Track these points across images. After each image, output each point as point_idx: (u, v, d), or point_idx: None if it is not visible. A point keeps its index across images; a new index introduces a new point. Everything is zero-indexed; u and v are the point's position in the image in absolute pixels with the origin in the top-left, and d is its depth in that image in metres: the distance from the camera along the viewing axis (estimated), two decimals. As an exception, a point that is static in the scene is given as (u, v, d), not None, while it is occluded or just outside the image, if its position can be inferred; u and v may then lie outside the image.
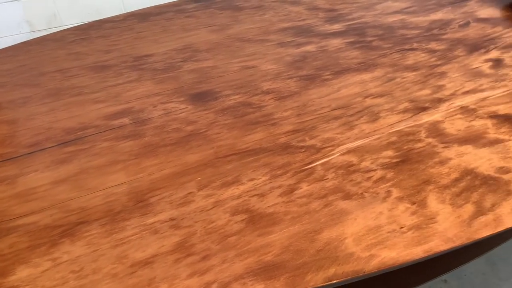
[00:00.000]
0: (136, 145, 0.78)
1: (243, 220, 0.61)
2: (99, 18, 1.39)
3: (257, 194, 0.66)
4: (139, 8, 1.43)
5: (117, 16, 1.37)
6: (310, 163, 0.72)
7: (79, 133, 0.83)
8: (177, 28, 1.22)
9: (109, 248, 0.59)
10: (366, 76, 0.95)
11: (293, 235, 0.59)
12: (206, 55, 1.07)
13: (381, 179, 0.67)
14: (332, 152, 0.74)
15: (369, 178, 0.68)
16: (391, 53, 1.03)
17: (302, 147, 0.75)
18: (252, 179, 0.69)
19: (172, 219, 0.62)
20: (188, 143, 0.78)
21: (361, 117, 0.82)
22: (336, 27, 1.17)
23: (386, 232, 0.58)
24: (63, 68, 1.08)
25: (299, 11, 1.28)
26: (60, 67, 1.08)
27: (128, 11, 1.45)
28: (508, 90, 0.86)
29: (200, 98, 0.91)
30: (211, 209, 0.64)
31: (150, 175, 0.71)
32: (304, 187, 0.67)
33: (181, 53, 1.09)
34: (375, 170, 0.69)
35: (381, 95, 0.88)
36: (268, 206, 0.63)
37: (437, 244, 0.56)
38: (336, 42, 1.09)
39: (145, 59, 1.08)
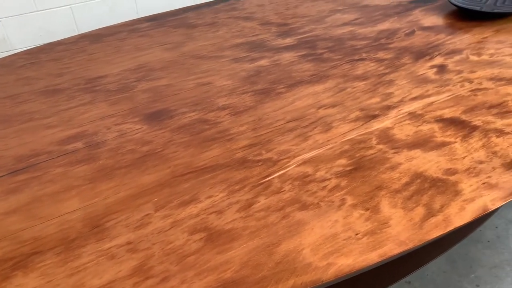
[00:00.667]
0: (90, 169, 0.77)
1: (201, 238, 0.61)
2: (52, 41, 1.36)
3: (215, 211, 0.66)
4: (93, 29, 1.41)
5: (69, 38, 1.35)
6: (267, 176, 0.73)
7: (31, 160, 0.81)
8: (130, 48, 1.22)
9: (65, 277, 0.57)
10: (318, 87, 0.97)
11: (252, 250, 0.59)
12: (160, 74, 1.07)
13: (336, 187, 0.69)
14: (288, 164, 0.75)
15: (324, 187, 0.69)
16: (342, 64, 1.06)
17: (258, 160, 0.76)
18: (209, 196, 0.69)
19: (129, 243, 0.62)
20: (144, 164, 0.77)
21: (315, 127, 0.84)
22: (288, 41, 1.20)
23: (342, 240, 0.60)
24: (13, 94, 1.05)
25: (252, 27, 1.30)
26: (9, 93, 1.05)
27: (82, 33, 1.43)
28: (452, 94, 0.90)
29: (156, 117, 0.90)
30: (169, 229, 0.63)
31: (105, 199, 0.70)
32: (262, 201, 0.67)
33: (135, 73, 1.08)
34: (329, 179, 0.71)
35: (333, 105, 0.90)
36: (227, 223, 0.64)
37: (391, 248, 0.58)
38: (288, 56, 1.12)
39: (99, 80, 1.07)
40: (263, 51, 1.15)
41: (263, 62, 1.10)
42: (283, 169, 0.74)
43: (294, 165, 0.75)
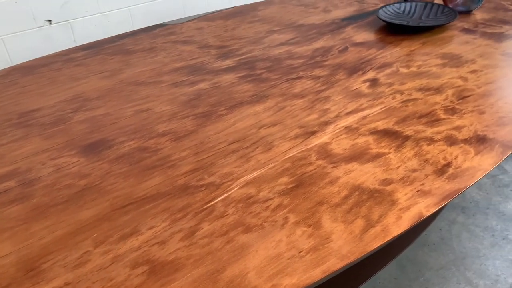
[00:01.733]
0: (24, 209, 0.73)
1: (144, 272, 0.60)
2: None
3: (158, 242, 0.64)
4: (27, 60, 1.35)
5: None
6: (210, 201, 0.72)
7: (-43, 204, 0.76)
8: (65, 79, 1.18)
9: (-4, 329, 0.53)
10: (258, 107, 0.99)
11: (196, 279, 0.58)
12: (97, 103, 1.04)
13: (279, 206, 0.70)
14: (231, 187, 0.75)
15: (267, 207, 0.70)
16: (280, 83, 1.08)
17: (201, 185, 0.76)
18: (151, 227, 0.67)
19: (67, 284, 0.59)
20: (81, 198, 0.74)
21: (257, 148, 0.85)
22: (228, 63, 1.21)
23: (286, 259, 0.60)
24: None
25: (191, 50, 1.30)
26: None
27: (15, 64, 1.37)
28: (384, 107, 0.94)
29: (93, 148, 0.88)
30: (109, 265, 0.61)
31: (40, 240, 0.66)
32: (206, 227, 0.67)
33: (71, 104, 1.05)
34: (272, 198, 0.71)
35: (273, 124, 0.92)
36: (170, 253, 0.62)
37: (334, 263, 0.59)
38: (228, 78, 1.13)
39: (32, 114, 1.02)
40: (203, 74, 1.16)
41: (203, 85, 1.10)
42: (226, 192, 0.74)
43: (237, 187, 0.75)
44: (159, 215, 0.69)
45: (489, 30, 1.29)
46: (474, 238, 1.37)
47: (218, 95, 1.05)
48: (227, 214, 0.69)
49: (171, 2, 2.22)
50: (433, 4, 1.40)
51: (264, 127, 0.91)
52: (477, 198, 1.52)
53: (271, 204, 0.70)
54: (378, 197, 0.70)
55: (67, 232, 0.68)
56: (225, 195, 0.73)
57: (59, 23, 1.97)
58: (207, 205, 0.71)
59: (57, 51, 1.41)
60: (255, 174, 0.78)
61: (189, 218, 0.69)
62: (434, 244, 1.36)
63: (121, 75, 1.18)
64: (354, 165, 0.77)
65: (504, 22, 1.34)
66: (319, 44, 1.28)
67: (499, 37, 1.24)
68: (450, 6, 1.42)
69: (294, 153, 0.82)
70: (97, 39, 1.46)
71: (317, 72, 1.12)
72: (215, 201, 0.72)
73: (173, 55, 1.28)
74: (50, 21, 1.94)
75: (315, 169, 0.77)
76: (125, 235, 0.66)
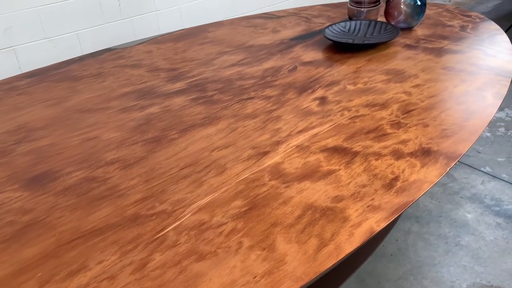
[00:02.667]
0: (-40, 251, 0.68)
1: (92, 310, 0.57)
2: None
3: (107, 277, 0.62)
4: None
5: None
6: (161, 230, 0.70)
7: None
8: (8, 109, 1.13)
9: None
10: (211, 130, 0.98)
11: (147, 313, 0.56)
12: (42, 133, 1.00)
13: (232, 231, 0.69)
14: (184, 214, 0.73)
15: (220, 233, 0.69)
16: (232, 104, 1.08)
17: (152, 214, 0.74)
18: (100, 262, 0.64)
19: (7, 331, 0.55)
20: (25, 235, 0.71)
21: (209, 171, 0.84)
22: (178, 85, 1.20)
23: (241, 286, 0.59)
24: None
25: (140, 74, 1.28)
26: None
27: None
28: (333, 124, 0.96)
29: (38, 181, 0.84)
30: (54, 307, 0.58)
31: (-22, 284, 0.62)
32: (157, 258, 0.65)
33: (13, 135, 1.00)
34: (226, 223, 0.70)
35: (226, 147, 0.91)
36: (119, 288, 0.60)
37: (289, 286, 0.59)
38: (179, 101, 1.12)
39: (-30, 147, 0.97)
40: (153, 97, 1.14)
41: (153, 109, 1.08)
42: (178, 219, 0.72)
43: (190, 214, 0.73)
44: (108, 248, 0.67)
45: (430, 46, 1.35)
46: (429, 247, 1.41)
47: (169, 119, 1.04)
48: (180, 243, 0.67)
49: (120, 26, 2.20)
50: (376, 22, 1.45)
51: (217, 150, 0.90)
52: (430, 206, 1.57)
53: (224, 229, 0.69)
54: (330, 214, 0.70)
55: (9, 272, 0.64)
56: (177, 223, 0.71)
57: (2, 50, 1.90)
58: (159, 235, 0.69)
59: (0, 79, 1.35)
60: (208, 199, 0.76)
61: (139, 249, 0.66)
62: (391, 255, 1.39)
63: (67, 102, 1.14)
64: (306, 184, 0.78)
65: (443, 37, 1.41)
66: (269, 64, 1.29)
67: (439, 52, 1.30)
68: (393, 23, 1.48)
69: (247, 175, 0.82)
70: (44, 66, 1.42)
71: (268, 92, 1.13)
72: (166, 230, 0.70)
73: (122, 79, 1.25)
74: (-9, 48, 1.86)
75: (268, 190, 0.77)
76: (73, 271, 0.63)
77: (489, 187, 1.65)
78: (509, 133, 1.96)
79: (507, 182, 1.67)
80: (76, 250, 0.67)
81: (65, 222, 0.73)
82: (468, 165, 1.77)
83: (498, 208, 1.55)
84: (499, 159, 1.80)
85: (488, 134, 1.97)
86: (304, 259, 0.62)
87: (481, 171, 1.74)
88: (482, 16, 1.59)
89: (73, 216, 0.74)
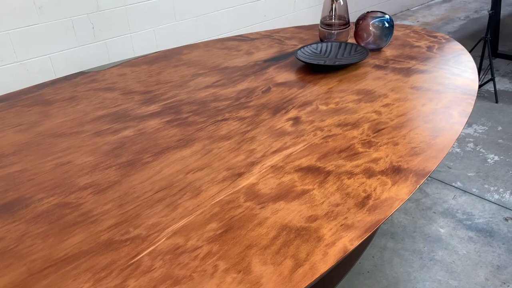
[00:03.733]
0: None
1: None
2: None
3: (80, 306, 0.60)
4: None
5: None
6: (136, 255, 0.69)
7: None
8: (-23, 134, 1.11)
9: None
10: (185, 152, 0.98)
11: None
12: (13, 159, 0.98)
13: (208, 254, 0.69)
14: (158, 238, 0.73)
15: (196, 256, 0.68)
16: (207, 126, 1.09)
17: (126, 240, 0.73)
18: (72, 290, 0.63)
19: None
20: (-7, 266, 0.69)
21: (184, 194, 0.84)
22: (153, 108, 1.20)
23: (216, 310, 0.59)
24: None
25: (114, 97, 1.28)
26: None
27: None
28: (307, 144, 0.98)
29: (8, 209, 0.82)
30: None
31: None
32: (132, 284, 0.64)
33: (-17, 161, 0.98)
34: (201, 246, 0.70)
35: (201, 169, 0.91)
36: (92, 317, 0.59)
37: (264, 308, 0.59)
38: (154, 123, 1.12)
39: None
40: (127, 121, 1.14)
41: (127, 132, 1.08)
42: (153, 244, 0.71)
43: (165, 238, 0.73)
44: (82, 276, 0.65)
45: (398, 66, 1.40)
46: (404, 263, 1.43)
47: (143, 142, 1.03)
48: (154, 268, 0.67)
49: (94, 49, 2.19)
50: (346, 43, 1.49)
51: (192, 172, 0.91)
52: (404, 222, 1.60)
53: (200, 253, 0.69)
54: (305, 234, 0.71)
55: (-24, 306, 0.62)
56: (152, 247, 0.71)
57: (-29, 74, 1.86)
58: (133, 260, 0.68)
59: (-32, 104, 1.32)
60: (183, 222, 0.76)
61: (114, 276, 0.65)
62: (368, 272, 1.40)
63: (39, 127, 1.12)
64: (281, 204, 0.79)
65: (411, 57, 1.46)
66: (243, 85, 1.31)
67: (407, 72, 1.35)
68: (362, 44, 1.52)
69: (222, 197, 0.82)
70: (16, 90, 1.40)
71: (243, 113, 1.14)
72: (141, 255, 0.69)
73: (95, 103, 1.25)
74: (-40, 72, 1.83)
75: (243, 211, 0.78)
76: (43, 302, 0.61)
77: (460, 202, 1.69)
78: (477, 149, 2.03)
79: (477, 196, 1.72)
80: (48, 279, 0.65)
81: (37, 250, 0.71)
82: (440, 181, 1.82)
83: (470, 222, 1.59)
84: (469, 174, 1.85)
85: (458, 150, 2.03)
86: (279, 280, 0.63)
87: (453, 186, 1.78)
88: (448, 36, 1.66)
89: (44, 244, 0.73)
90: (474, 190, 1.75)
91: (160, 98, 1.26)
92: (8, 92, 1.38)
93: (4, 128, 1.13)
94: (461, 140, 2.10)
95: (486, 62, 2.62)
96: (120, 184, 0.88)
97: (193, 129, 1.08)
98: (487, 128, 2.19)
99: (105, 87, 1.35)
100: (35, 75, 2.02)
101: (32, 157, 0.99)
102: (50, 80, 1.43)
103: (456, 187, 1.77)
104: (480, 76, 2.58)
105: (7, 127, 1.14)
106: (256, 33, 1.81)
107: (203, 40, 2.56)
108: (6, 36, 1.90)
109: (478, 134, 2.14)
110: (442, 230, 1.55)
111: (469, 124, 2.23)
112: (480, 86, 2.58)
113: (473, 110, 2.36)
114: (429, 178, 1.84)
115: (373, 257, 1.45)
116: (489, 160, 1.94)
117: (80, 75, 1.46)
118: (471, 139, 2.10)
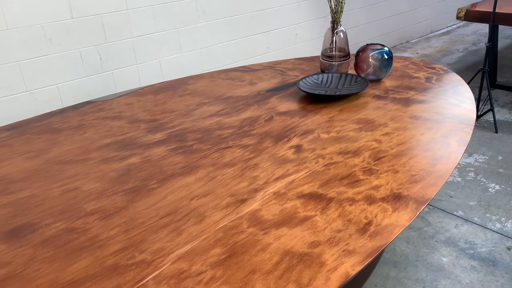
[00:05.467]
0: None
1: None
2: None
3: (85, 329, 0.61)
4: None
5: None
6: (141, 280, 0.71)
7: None
8: (-14, 160, 1.13)
9: None
10: (190, 178, 1.00)
11: None
12: (22, 185, 1.01)
13: (212, 279, 0.70)
14: (163, 263, 0.74)
15: (200, 281, 0.69)
16: (211, 153, 1.11)
17: (132, 264, 0.74)
18: (79, 313, 0.64)
19: None
20: (1, 289, 0.70)
21: (189, 220, 0.85)
22: (159, 136, 1.23)
23: (220, 333, 0.60)
24: None
25: (121, 125, 1.31)
26: None
27: None
28: (309, 171, 1.00)
29: (16, 234, 0.84)
30: None
31: None
32: (137, 307, 0.65)
33: (-8, 187, 1.00)
34: (205, 271, 0.72)
35: (205, 195, 0.93)
36: None
37: (267, 332, 0.60)
38: (159, 151, 1.14)
39: None
40: (133, 148, 1.16)
41: (133, 159, 1.10)
42: (157, 269, 0.73)
43: (169, 263, 0.74)
44: (87, 300, 0.67)
45: (397, 96, 1.43)
46: (408, 291, 1.42)
47: (149, 168, 1.06)
48: (160, 292, 0.68)
49: (101, 79, 2.25)
50: (347, 74, 1.54)
51: (196, 198, 0.93)
52: (407, 251, 1.59)
53: (204, 278, 0.70)
54: (307, 260, 0.72)
55: (-17, 329, 0.63)
56: (157, 272, 0.72)
57: (-19, 103, 1.91)
58: (138, 285, 0.69)
59: (-22, 132, 1.36)
60: (187, 247, 0.78)
61: (119, 299, 0.66)
62: (371, 301, 1.39)
63: (48, 154, 1.15)
64: (284, 230, 0.80)
65: (410, 88, 1.50)
66: (246, 114, 1.35)
67: (406, 102, 1.38)
68: (362, 75, 1.57)
69: (226, 223, 0.84)
70: (25, 118, 1.43)
71: (246, 141, 1.17)
72: (146, 280, 0.70)
73: (103, 131, 1.28)
74: (-29, 101, 1.87)
75: (247, 237, 0.79)
76: (50, 325, 0.62)
77: (462, 231, 1.69)
78: (478, 178, 2.04)
79: (479, 225, 1.72)
80: (54, 302, 0.67)
81: (43, 274, 0.73)
82: (442, 209, 1.83)
83: (472, 251, 1.58)
84: (471, 203, 1.86)
85: (459, 179, 2.04)
86: (282, 304, 0.64)
87: (454, 215, 1.79)
88: (446, 68, 1.70)
89: (51, 268, 0.74)
90: (476, 219, 1.76)
91: (165, 127, 1.29)
92: (17, 120, 1.42)
93: (14, 156, 1.16)
94: (462, 169, 2.12)
95: (485, 93, 2.67)
96: (126, 209, 0.90)
97: (198, 157, 1.10)
98: (487, 157, 2.21)
99: (112, 116, 1.39)
100: (43, 104, 2.06)
101: (40, 183, 1.01)
102: (59, 109, 1.47)
103: (458, 216, 1.78)
104: (480, 107, 2.62)
105: (17, 154, 1.16)
106: (259, 64, 1.87)
107: (208, 71, 2.63)
108: (16, 66, 1.96)
109: (478, 164, 2.16)
110: (444, 259, 1.55)
111: (469, 153, 2.26)
112: (479, 116, 2.62)
113: (473, 140, 2.39)
114: (430, 206, 1.85)
115: (375, 286, 1.44)
116: (490, 189, 1.95)
117: (88, 104, 1.50)
118: (472, 168, 2.12)
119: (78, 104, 1.51)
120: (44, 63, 2.05)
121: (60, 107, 2.07)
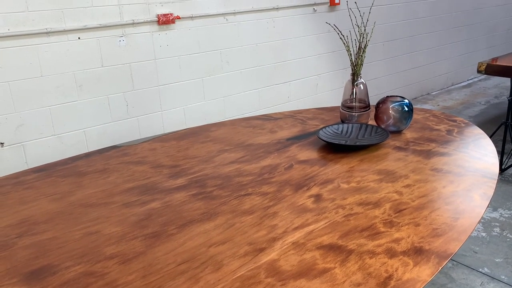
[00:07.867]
0: None
1: None
2: None
3: None
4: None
5: None
6: (157, 327, 0.70)
7: None
8: (13, 202, 1.17)
9: None
10: (209, 225, 1.01)
11: None
12: (45, 227, 1.03)
13: (228, 329, 0.69)
14: (179, 310, 0.73)
15: (216, 331, 0.68)
16: (230, 200, 1.12)
17: (148, 311, 0.74)
18: None
19: None
20: (18, 331, 0.70)
21: (206, 267, 0.85)
22: (180, 181, 1.25)
23: None
24: None
25: (144, 170, 1.34)
26: None
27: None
28: (329, 221, 0.99)
29: (36, 275, 0.85)
30: None
31: None
32: None
33: (16, 229, 1.03)
34: (221, 321, 0.70)
35: (223, 242, 0.93)
36: None
37: None
38: (179, 196, 1.16)
39: (-28, 240, 0.99)
40: (155, 193, 1.18)
41: (154, 204, 1.12)
42: (174, 316, 0.72)
43: (185, 311, 0.73)
44: None
45: (418, 148, 1.43)
46: None
47: (169, 214, 1.07)
48: None
49: (126, 125, 2.32)
50: (367, 125, 1.55)
51: (214, 246, 0.93)
52: (430, 308, 1.53)
53: (220, 327, 0.69)
54: (325, 313, 0.71)
55: None
56: (173, 319, 0.71)
57: (11, 145, 1.98)
58: (154, 332, 0.69)
59: (8, 173, 1.41)
60: (204, 295, 0.77)
61: None
62: None
63: (72, 197, 1.18)
64: (302, 282, 0.79)
65: (431, 140, 1.50)
66: (266, 162, 1.36)
67: (427, 154, 1.38)
68: (383, 126, 1.58)
69: (243, 272, 0.83)
70: (51, 161, 1.48)
71: (265, 188, 1.18)
72: (162, 327, 0.70)
73: (126, 175, 1.31)
74: (2, 143, 1.95)
75: (264, 287, 0.78)
76: None
77: (489, 289, 1.62)
78: (504, 233, 1.98)
79: (506, 283, 1.65)
80: None
81: (61, 317, 0.73)
82: (466, 266, 1.76)
83: (501, 311, 1.51)
84: (497, 260, 1.79)
85: (484, 234, 1.98)
86: None
87: (480, 271, 1.72)
88: (467, 121, 1.70)
89: (69, 312, 0.74)
90: (503, 277, 1.68)
91: (187, 172, 1.32)
92: (44, 163, 1.47)
93: (40, 197, 1.19)
94: (487, 224, 2.06)
95: (508, 147, 2.63)
96: (145, 255, 0.90)
97: (217, 203, 1.11)
98: (513, 212, 2.14)
99: (135, 161, 1.42)
100: (69, 147, 2.13)
101: (63, 225, 1.03)
102: (84, 153, 1.52)
103: (484, 273, 1.71)
104: (504, 160, 2.58)
105: (42, 196, 1.20)
106: (280, 113, 1.90)
107: (229, 119, 2.68)
108: (47, 111, 2.05)
109: (504, 219, 2.09)
110: (471, 319, 1.48)
111: (494, 208, 2.20)
112: (503, 170, 2.57)
113: (497, 194, 2.33)
114: (454, 262, 1.79)
115: None
116: (517, 245, 1.88)
117: (113, 148, 1.55)
118: (497, 223, 2.06)
119: (103, 148, 1.56)
120: (73, 108, 2.13)
121: (86, 151, 2.13)
